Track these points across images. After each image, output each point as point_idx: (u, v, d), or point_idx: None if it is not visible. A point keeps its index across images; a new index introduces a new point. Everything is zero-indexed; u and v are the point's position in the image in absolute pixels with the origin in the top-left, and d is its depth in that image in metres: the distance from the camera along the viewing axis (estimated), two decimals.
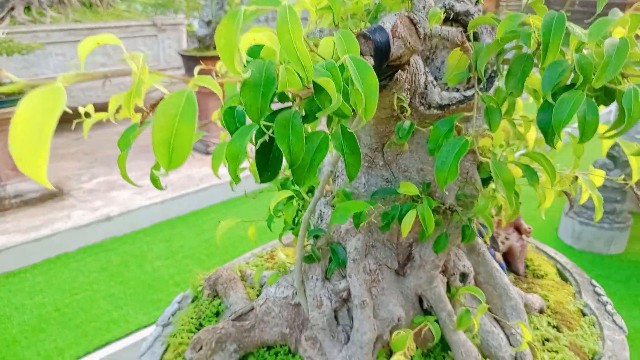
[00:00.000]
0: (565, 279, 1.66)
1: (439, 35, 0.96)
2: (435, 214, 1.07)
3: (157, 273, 3.44)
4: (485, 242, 1.29)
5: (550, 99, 0.70)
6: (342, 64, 0.67)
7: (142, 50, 0.53)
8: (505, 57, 0.88)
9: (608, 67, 0.65)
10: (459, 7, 1.02)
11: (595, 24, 0.71)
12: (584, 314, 1.49)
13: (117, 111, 0.95)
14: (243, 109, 0.68)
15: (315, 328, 1.11)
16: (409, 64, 0.92)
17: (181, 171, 4.55)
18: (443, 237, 1.08)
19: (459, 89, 1.04)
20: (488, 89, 1.00)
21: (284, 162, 0.71)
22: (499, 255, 1.61)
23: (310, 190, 1.22)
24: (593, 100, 0.69)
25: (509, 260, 1.66)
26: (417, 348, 1.20)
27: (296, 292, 1.19)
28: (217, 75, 0.61)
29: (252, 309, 1.24)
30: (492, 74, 1.03)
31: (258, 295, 1.38)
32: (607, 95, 0.73)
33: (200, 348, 1.20)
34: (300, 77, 0.64)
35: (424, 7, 0.94)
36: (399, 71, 0.92)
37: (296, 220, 1.23)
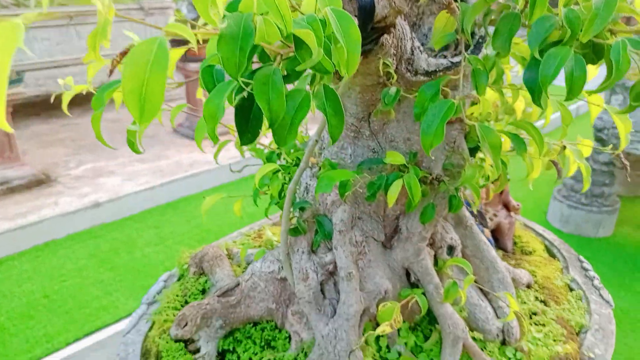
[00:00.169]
0: (553, 255, 1.66)
1: None
2: (422, 184, 1.05)
3: (147, 259, 3.41)
4: (472, 212, 1.29)
5: (537, 55, 0.68)
6: (324, 18, 0.65)
7: (129, 34, 0.51)
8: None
9: (596, 19, 0.63)
10: None
11: None
12: (571, 289, 1.50)
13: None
14: (222, 67, 0.65)
15: (301, 301, 1.10)
16: (394, 27, 0.89)
17: (170, 157, 4.50)
18: (430, 207, 1.07)
19: (446, 55, 1.02)
20: (476, 55, 0.98)
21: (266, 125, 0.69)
22: (487, 232, 1.60)
23: (297, 164, 1.20)
24: (581, 56, 0.68)
25: (497, 237, 1.66)
26: (404, 322, 1.19)
27: (282, 267, 1.17)
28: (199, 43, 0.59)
29: (237, 285, 1.23)
30: (480, 40, 1.01)
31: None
32: (595, 52, 0.71)
33: (186, 324, 1.18)
34: (279, 29, 0.62)
35: None
36: (385, 35, 0.89)
37: (282, 194, 1.21)
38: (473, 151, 1.08)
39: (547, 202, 4.18)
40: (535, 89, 0.70)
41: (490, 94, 1.27)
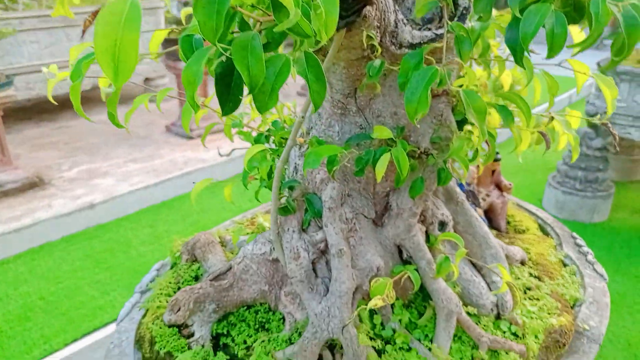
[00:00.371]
0: (546, 233, 1.67)
1: None
2: (411, 158, 1.05)
3: (143, 258, 3.40)
4: (464, 192, 1.28)
5: (517, 14, 0.68)
6: None
7: None
8: None
9: None
10: None
11: None
12: (565, 265, 1.50)
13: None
14: (200, 33, 0.65)
15: (293, 281, 1.09)
16: None
17: (164, 156, 4.49)
18: (419, 181, 1.06)
19: (430, 28, 1.01)
20: None
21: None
22: (480, 212, 1.60)
23: (283, 145, 1.19)
24: (561, 13, 0.67)
25: (490, 217, 1.66)
26: (397, 299, 1.19)
27: (274, 248, 1.16)
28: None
29: (230, 269, 1.22)
30: (464, 12, 1.00)
31: None
32: (576, 10, 0.71)
33: (179, 309, 1.17)
34: None
35: None
36: (367, 7, 0.89)
37: (271, 176, 1.20)
38: (460, 124, 1.08)
39: (542, 189, 4.19)
40: (517, 47, 0.70)
41: (479, 74, 1.27)
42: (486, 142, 1.12)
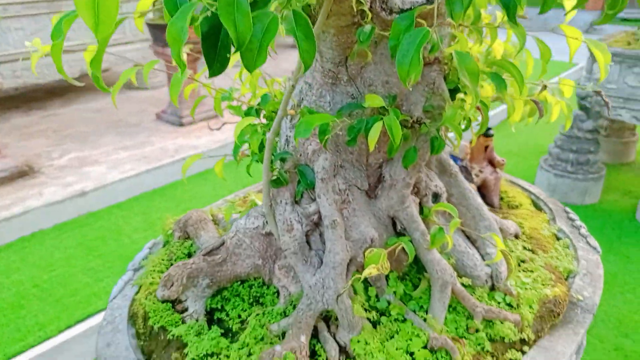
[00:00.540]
0: (539, 209, 1.67)
1: None
2: (403, 127, 1.04)
3: (136, 245, 3.38)
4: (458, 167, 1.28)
5: None
6: None
7: None
8: None
9: None
10: None
11: None
12: (558, 238, 1.50)
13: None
14: None
15: (287, 253, 1.08)
16: None
17: (155, 144, 4.44)
18: (412, 150, 1.05)
19: None
20: None
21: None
22: (473, 188, 1.60)
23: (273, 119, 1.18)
24: None
25: (483, 193, 1.66)
26: (392, 271, 1.19)
27: (267, 222, 1.15)
28: None
29: (223, 243, 1.21)
30: None
31: None
32: None
33: (172, 285, 1.16)
34: None
35: None
36: None
37: (262, 149, 1.19)
38: (453, 93, 1.06)
39: (534, 173, 4.21)
40: (510, 4, 0.69)
41: (471, 47, 1.26)
42: (478, 108, 1.11)
